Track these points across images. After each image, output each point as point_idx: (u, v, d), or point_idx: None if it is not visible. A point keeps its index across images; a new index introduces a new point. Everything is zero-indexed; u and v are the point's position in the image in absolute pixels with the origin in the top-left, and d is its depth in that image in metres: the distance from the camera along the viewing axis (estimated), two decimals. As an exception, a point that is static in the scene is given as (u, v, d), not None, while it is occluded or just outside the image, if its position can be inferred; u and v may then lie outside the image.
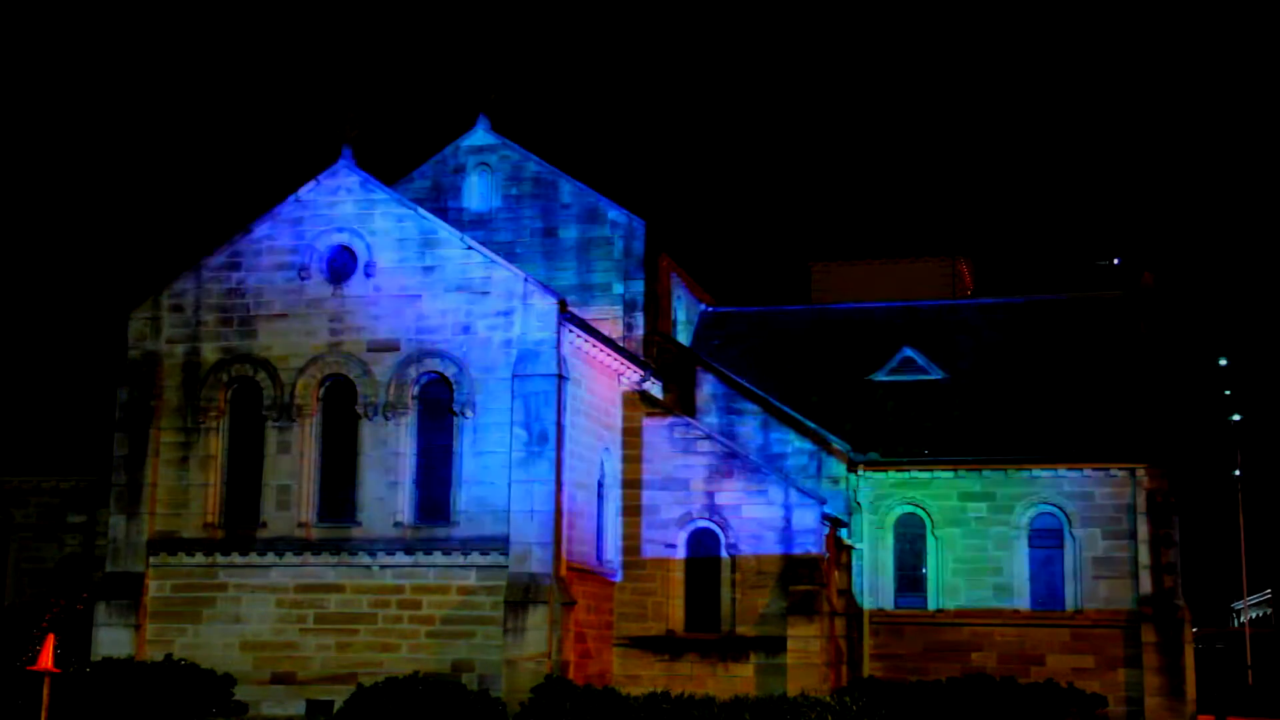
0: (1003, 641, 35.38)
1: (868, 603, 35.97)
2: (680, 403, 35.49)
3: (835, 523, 33.86)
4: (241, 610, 29.18)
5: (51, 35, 77.18)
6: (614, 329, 35.05)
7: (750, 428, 35.79)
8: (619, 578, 32.30)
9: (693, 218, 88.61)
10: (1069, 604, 35.32)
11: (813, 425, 35.95)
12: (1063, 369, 38.32)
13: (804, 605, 31.20)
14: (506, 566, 27.99)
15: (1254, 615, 76.09)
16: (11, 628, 31.54)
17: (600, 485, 31.66)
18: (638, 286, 35.70)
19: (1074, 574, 35.33)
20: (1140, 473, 35.18)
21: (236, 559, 29.37)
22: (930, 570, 36.27)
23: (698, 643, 31.89)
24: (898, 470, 36.48)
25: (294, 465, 29.45)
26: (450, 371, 29.04)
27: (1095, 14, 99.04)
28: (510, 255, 34.05)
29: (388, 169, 36.23)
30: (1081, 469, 35.49)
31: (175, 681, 26.54)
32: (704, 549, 32.37)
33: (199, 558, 29.53)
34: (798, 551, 31.66)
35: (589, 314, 34.29)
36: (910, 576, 36.52)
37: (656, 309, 36.45)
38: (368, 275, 29.72)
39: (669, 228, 38.21)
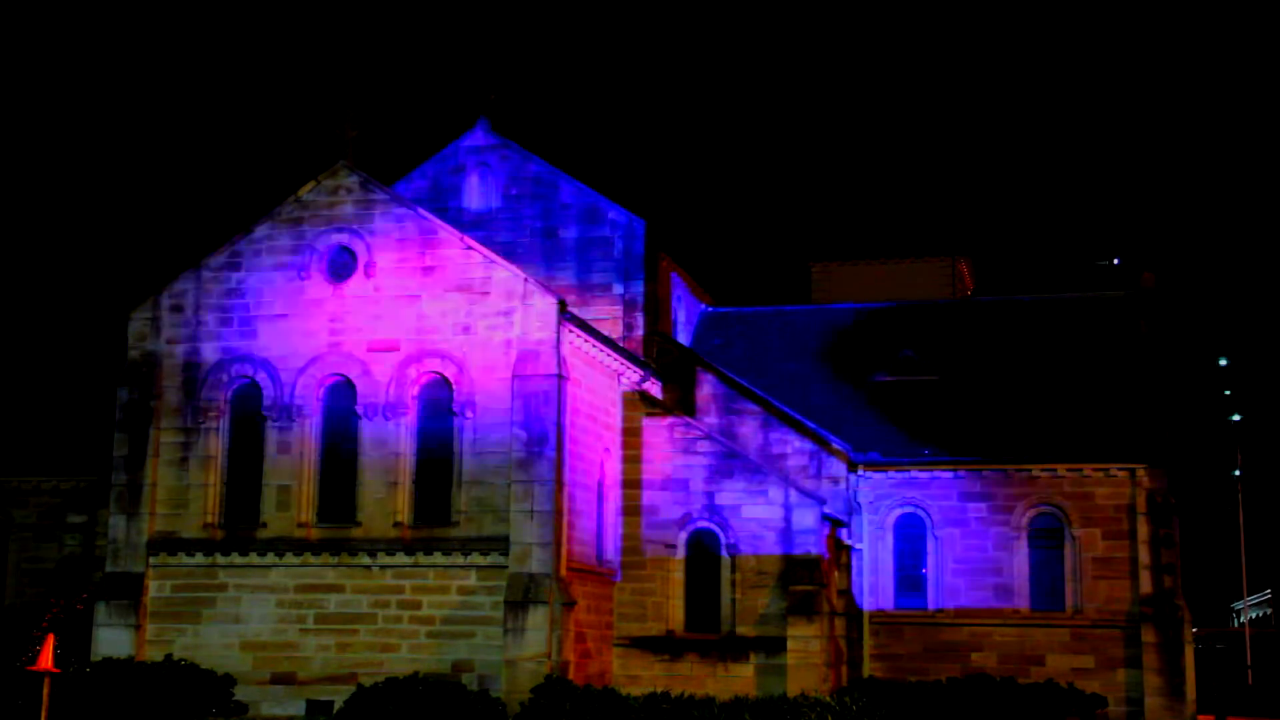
0: (1003, 641, 35.38)
1: (868, 603, 35.96)
2: (680, 403, 35.47)
3: (835, 523, 33.86)
4: (241, 610, 29.18)
5: (51, 35, 77.18)
6: (614, 329, 35.02)
7: (750, 428, 35.76)
8: (619, 578, 32.30)
9: (693, 218, 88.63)
10: (1069, 604, 35.31)
11: (813, 425, 35.93)
12: (1063, 369, 38.30)
13: (804, 605, 31.20)
14: (506, 567, 27.98)
15: (1254, 615, 76.09)
16: (11, 628, 31.54)
17: (600, 485, 31.65)
18: (638, 286, 35.66)
19: (1074, 574, 35.32)
20: (1140, 473, 35.17)
21: (236, 559, 29.36)
22: (930, 570, 36.26)
23: (698, 643, 31.89)
24: (898, 470, 36.48)
25: (294, 465, 29.44)
26: (450, 371, 29.02)
27: (1095, 14, 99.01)
28: (510, 255, 34.02)
29: (388, 169, 36.27)
30: (1081, 469, 35.49)
31: (175, 682, 26.52)
32: (704, 549, 32.38)
33: (199, 558, 29.52)
34: (798, 551, 31.66)
35: (589, 314, 34.27)
36: (910, 576, 36.50)
37: (656, 309, 36.41)
38: (368, 275, 29.70)
39: (669, 228, 38.25)
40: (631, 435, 32.89)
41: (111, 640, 29.06)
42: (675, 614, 32.25)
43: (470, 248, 29.54)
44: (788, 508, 31.89)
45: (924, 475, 36.34)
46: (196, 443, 29.94)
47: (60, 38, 78.29)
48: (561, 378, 28.55)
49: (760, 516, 32.00)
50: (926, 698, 29.41)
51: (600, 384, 31.88)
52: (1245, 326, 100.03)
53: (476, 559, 28.30)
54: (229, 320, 30.22)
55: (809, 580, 31.40)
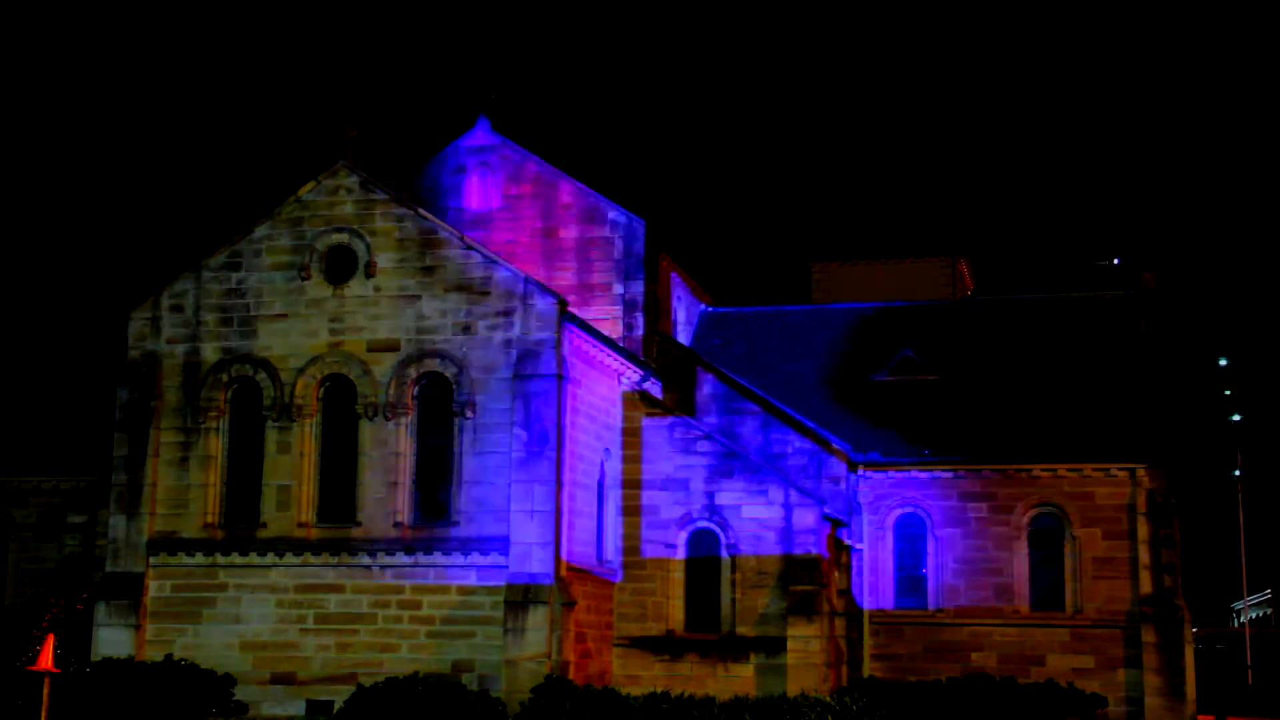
0: (1003, 641, 35.38)
1: (868, 603, 35.96)
2: (680, 403, 35.47)
3: (835, 523, 33.85)
4: (241, 610, 29.18)
5: (51, 35, 77.19)
6: (614, 329, 35.03)
7: (750, 428, 35.75)
8: (619, 578, 32.29)
9: (693, 218, 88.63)
10: (1069, 604, 35.31)
11: (813, 425, 35.93)
12: (1063, 369, 38.29)
13: (804, 605, 31.20)
14: (506, 566, 27.99)
15: (1254, 615, 76.14)
16: (11, 628, 31.53)
17: (600, 485, 31.65)
18: (638, 286, 35.66)
19: (1074, 574, 35.32)
20: (1140, 473, 35.18)
21: (236, 559, 29.36)
22: (930, 570, 36.27)
23: (698, 643, 31.89)
24: (898, 470, 36.48)
25: (294, 465, 29.45)
26: (450, 371, 29.03)
27: (1095, 14, 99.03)
28: (510, 255, 34.04)
29: (388, 169, 36.25)
30: (1081, 469, 35.49)
31: (175, 682, 26.53)
32: (704, 549, 32.37)
33: (199, 558, 29.53)
34: (798, 551, 31.66)
35: (589, 314, 34.28)
36: (910, 576, 36.52)
37: (656, 309, 36.42)
38: (368, 275, 29.71)
39: (669, 228, 38.27)
40: (631, 435, 32.89)
41: (111, 640, 29.07)
42: (675, 614, 32.25)
43: (470, 248, 29.55)
44: (788, 508, 31.89)
45: (924, 475, 36.34)
46: (196, 443, 29.95)
47: (60, 38, 78.32)
48: (561, 378, 28.56)
49: (760, 516, 32.00)
50: (926, 698, 29.40)
51: (600, 384, 31.88)
52: (1245, 326, 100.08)
53: (476, 559, 28.31)
54: (229, 320, 30.22)
55: (809, 580, 31.40)
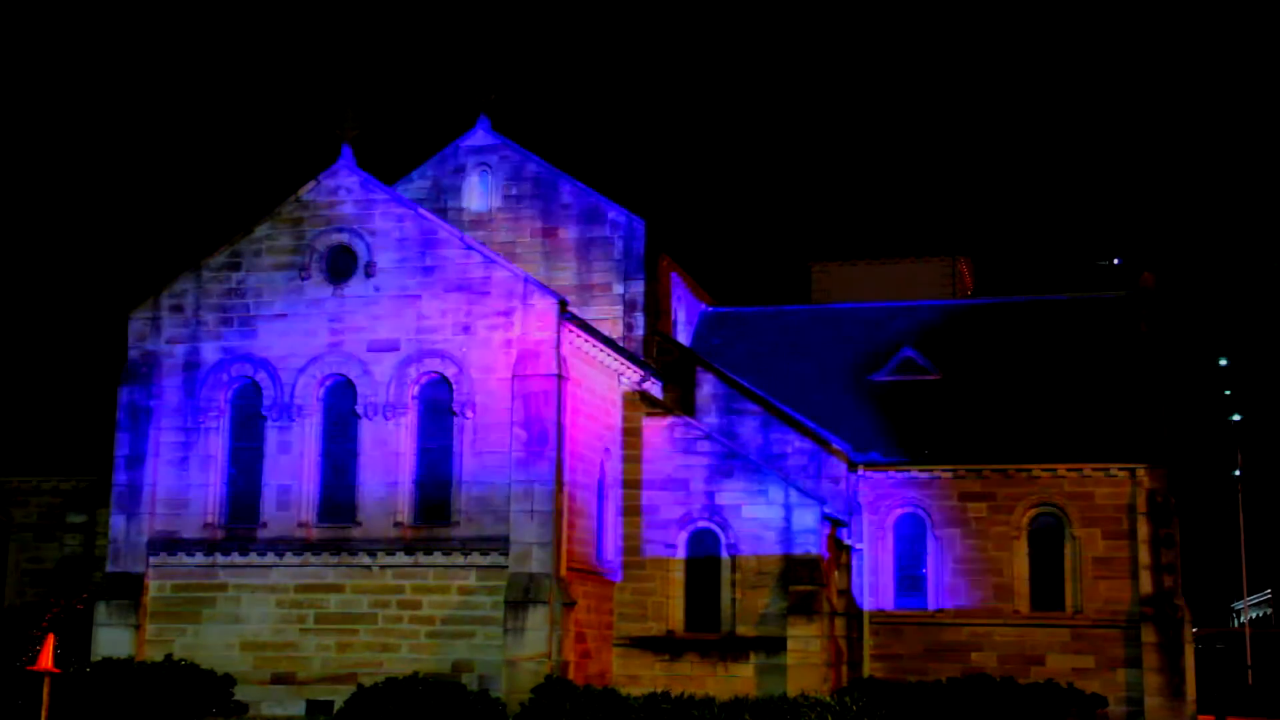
0: (1003, 641, 35.39)
1: (868, 603, 35.97)
2: (680, 403, 35.48)
3: (835, 523, 33.87)
4: (241, 610, 29.18)
5: (51, 35, 77.19)
6: (614, 329, 35.04)
7: (750, 428, 35.76)
8: (619, 578, 32.30)
9: (693, 218, 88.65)
10: (1069, 604, 35.32)
11: (813, 425, 35.94)
12: (1063, 369, 38.30)
13: (804, 605, 31.21)
14: (506, 566, 27.99)
15: (1254, 615, 76.17)
16: (11, 628, 31.57)
17: (600, 485, 31.65)
18: (638, 286, 35.68)
19: (1074, 574, 35.33)
20: (1140, 473, 35.18)
21: (236, 559, 29.37)
22: (930, 570, 36.27)
23: (698, 643, 31.90)
24: (898, 470, 36.49)
25: (294, 465, 29.45)
26: (450, 371, 29.03)
27: (1095, 14, 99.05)
28: (510, 255, 34.06)
29: (388, 169, 36.28)
30: (1081, 469, 35.50)
31: (175, 682, 26.55)
32: (704, 549, 32.38)
33: (199, 558, 29.53)
34: (798, 551, 31.67)
35: (589, 314, 34.28)
36: (910, 576, 36.52)
37: (656, 309, 36.43)
38: (368, 275, 29.72)
39: (669, 228, 38.28)
40: (631, 435, 32.90)
41: (111, 640, 29.07)
42: (675, 614, 32.26)
43: (470, 248, 29.55)
44: (788, 508, 31.90)
45: (924, 475, 36.35)
46: (196, 443, 29.95)
47: (60, 38, 78.32)
48: (561, 378, 28.56)
49: (760, 516, 32.01)
50: (926, 698, 29.41)
51: (600, 384, 31.88)
52: (1245, 326, 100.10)
53: (476, 559, 28.30)
54: (229, 320, 30.23)
55: (809, 580, 31.41)
